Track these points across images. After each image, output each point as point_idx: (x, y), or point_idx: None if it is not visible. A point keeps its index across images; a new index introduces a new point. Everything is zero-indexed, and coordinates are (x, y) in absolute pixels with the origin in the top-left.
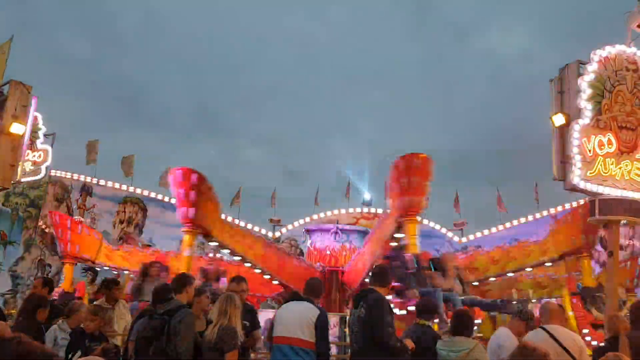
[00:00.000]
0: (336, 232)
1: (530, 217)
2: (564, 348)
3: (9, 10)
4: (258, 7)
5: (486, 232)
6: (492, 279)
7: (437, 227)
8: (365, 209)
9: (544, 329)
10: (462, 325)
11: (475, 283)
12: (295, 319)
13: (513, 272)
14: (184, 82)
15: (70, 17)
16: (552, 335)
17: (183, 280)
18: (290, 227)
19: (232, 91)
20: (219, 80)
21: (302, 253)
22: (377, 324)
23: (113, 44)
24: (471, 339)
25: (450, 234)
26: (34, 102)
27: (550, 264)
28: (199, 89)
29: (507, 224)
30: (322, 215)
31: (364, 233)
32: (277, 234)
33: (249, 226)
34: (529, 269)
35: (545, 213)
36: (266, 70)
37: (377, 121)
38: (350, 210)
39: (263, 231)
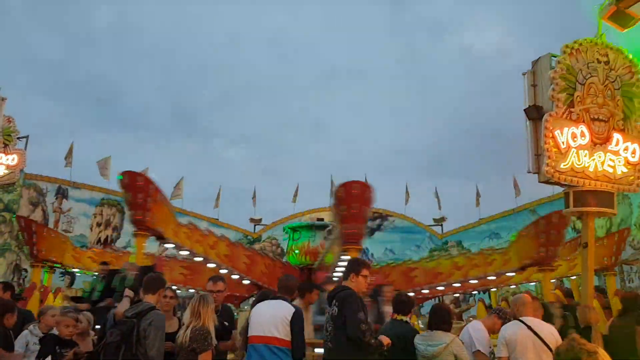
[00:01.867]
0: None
1: (508, 211)
2: (542, 339)
3: None
4: (233, 5)
5: (466, 227)
6: (456, 284)
7: (418, 222)
8: None
9: (520, 321)
10: (440, 320)
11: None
12: (270, 318)
13: (476, 279)
14: (160, 81)
15: (41, 16)
16: (529, 327)
17: (156, 282)
18: (270, 225)
19: (209, 90)
20: (196, 79)
21: (283, 252)
22: (349, 320)
23: (86, 44)
24: (449, 333)
25: (430, 229)
26: (4, 103)
27: (512, 274)
28: (175, 88)
29: (487, 218)
30: (302, 213)
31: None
32: (258, 233)
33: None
34: (491, 277)
35: (524, 207)
36: (243, 69)
37: (355, 118)
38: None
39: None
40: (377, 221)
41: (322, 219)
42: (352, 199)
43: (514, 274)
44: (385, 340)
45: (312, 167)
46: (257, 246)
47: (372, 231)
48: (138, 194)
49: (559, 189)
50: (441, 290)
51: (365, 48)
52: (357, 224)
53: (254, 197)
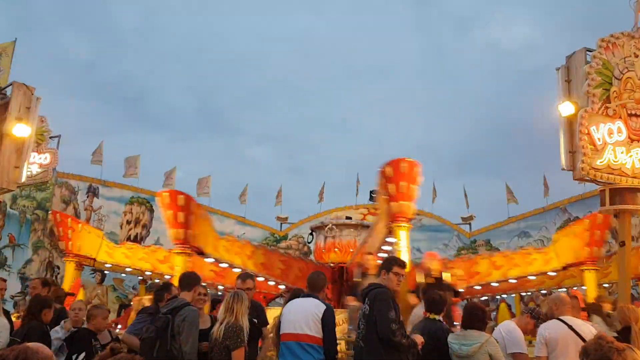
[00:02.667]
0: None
1: (538, 210)
2: (582, 339)
3: (9, 12)
4: (260, 4)
5: (495, 225)
6: (495, 284)
7: (446, 221)
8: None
9: (561, 320)
10: (474, 319)
11: (478, 287)
12: (301, 315)
13: (516, 279)
14: (187, 81)
15: (70, 18)
16: (570, 326)
17: (191, 279)
18: (297, 224)
19: (235, 89)
20: (222, 78)
21: (309, 250)
22: (379, 319)
23: (114, 45)
24: (484, 332)
25: (458, 228)
26: (38, 103)
27: (554, 273)
28: (202, 87)
29: (516, 217)
30: (328, 212)
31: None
32: (284, 231)
33: (256, 225)
34: (531, 277)
35: (554, 205)
36: (268, 68)
37: (381, 116)
38: (356, 206)
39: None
40: None
41: (350, 218)
42: (401, 177)
43: (555, 273)
44: (419, 339)
45: (338, 165)
46: (283, 244)
47: None
48: (179, 213)
49: (590, 187)
50: (478, 290)
51: (391, 45)
52: (405, 201)
53: (279, 195)
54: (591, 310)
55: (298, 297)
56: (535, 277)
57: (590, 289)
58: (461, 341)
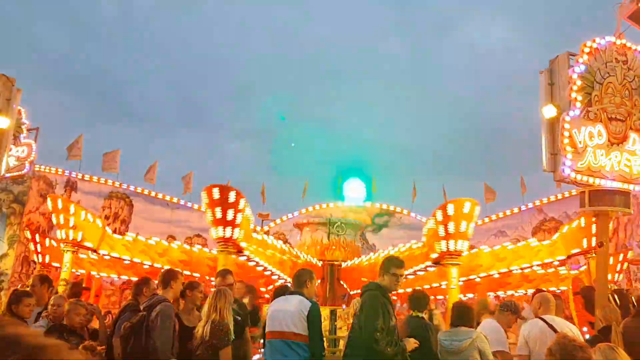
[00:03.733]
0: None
1: (515, 210)
2: None
3: None
4: None
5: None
6: (497, 276)
7: (425, 220)
8: (354, 204)
9: (542, 319)
10: (463, 316)
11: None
12: (287, 313)
13: (520, 269)
14: (166, 74)
15: (46, 9)
16: (550, 326)
17: (168, 276)
18: (278, 221)
19: (215, 84)
20: (202, 73)
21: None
22: (364, 326)
23: (92, 37)
24: (473, 329)
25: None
26: (18, 95)
27: (557, 262)
28: (182, 81)
29: (494, 217)
30: (311, 209)
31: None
32: (266, 228)
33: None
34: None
35: (530, 205)
36: (250, 64)
37: (362, 115)
38: (339, 204)
39: (251, 226)
40: (384, 218)
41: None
42: (462, 216)
43: (558, 262)
44: (410, 345)
45: (318, 163)
46: None
47: (379, 228)
48: (228, 210)
49: (566, 188)
50: (477, 282)
51: (372, 45)
52: (463, 240)
53: (263, 192)
54: (585, 292)
55: (284, 294)
56: (539, 267)
57: (592, 275)
58: (452, 337)
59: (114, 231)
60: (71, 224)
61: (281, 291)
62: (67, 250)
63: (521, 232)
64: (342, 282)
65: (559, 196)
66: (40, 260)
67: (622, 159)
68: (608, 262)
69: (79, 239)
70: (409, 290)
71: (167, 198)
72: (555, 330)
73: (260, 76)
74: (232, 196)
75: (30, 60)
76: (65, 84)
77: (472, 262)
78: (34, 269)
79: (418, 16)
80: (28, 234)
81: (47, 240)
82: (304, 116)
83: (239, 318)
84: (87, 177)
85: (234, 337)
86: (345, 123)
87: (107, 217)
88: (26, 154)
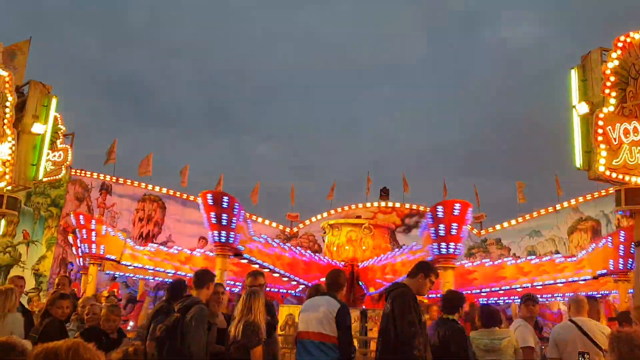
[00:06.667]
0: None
1: (550, 209)
2: (592, 340)
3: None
4: (267, 2)
5: (505, 224)
6: (519, 288)
7: None
8: (383, 203)
9: (572, 321)
10: (494, 318)
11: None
12: (316, 314)
13: (543, 285)
14: (194, 79)
15: (78, 15)
16: (579, 328)
17: (204, 277)
18: (308, 222)
19: (242, 87)
20: (229, 76)
21: (320, 248)
22: (398, 319)
23: (121, 42)
24: (508, 329)
25: (469, 227)
26: (54, 101)
27: (583, 282)
28: (209, 85)
29: (527, 216)
30: (340, 210)
31: None
32: (295, 229)
33: (267, 222)
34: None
35: (566, 204)
36: (275, 66)
37: (389, 115)
38: (368, 204)
39: (280, 227)
40: (415, 218)
41: (359, 216)
42: (453, 218)
43: (583, 282)
44: None
45: (346, 164)
46: (293, 242)
47: (409, 228)
48: (222, 215)
49: (602, 186)
50: (499, 294)
51: (398, 44)
52: (455, 242)
53: (292, 193)
54: (621, 319)
55: (317, 294)
56: (562, 285)
57: (621, 299)
58: (491, 337)
59: (147, 233)
60: (93, 238)
61: (314, 291)
62: (92, 263)
63: (556, 232)
64: (360, 283)
65: (596, 195)
66: (94, 250)
67: None
68: None
69: (101, 253)
70: None
71: (199, 200)
72: (584, 333)
73: (285, 78)
74: (225, 202)
75: (62, 66)
76: (97, 89)
77: (495, 273)
78: (71, 270)
79: (444, 14)
80: (82, 219)
81: (104, 228)
82: (330, 117)
83: (269, 318)
84: (121, 180)
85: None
86: (373, 123)
87: (140, 220)
88: (62, 159)
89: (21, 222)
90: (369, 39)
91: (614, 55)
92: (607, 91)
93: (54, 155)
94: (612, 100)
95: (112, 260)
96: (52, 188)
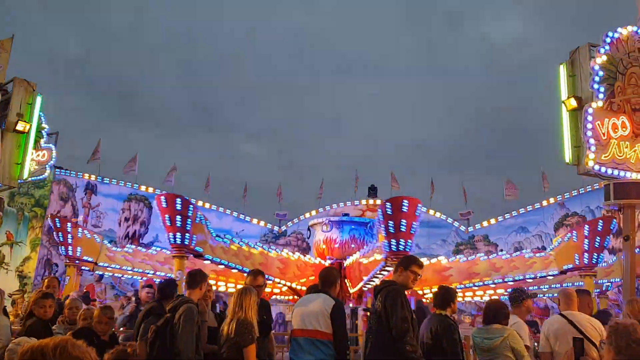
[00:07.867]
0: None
1: (537, 205)
2: (583, 333)
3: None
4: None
5: (493, 221)
6: (492, 285)
7: (444, 217)
8: (371, 201)
9: (562, 315)
10: (497, 314)
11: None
12: (311, 311)
13: (513, 280)
14: (179, 77)
15: (59, 14)
16: (570, 322)
17: (197, 277)
18: (296, 220)
19: (227, 85)
20: (213, 74)
21: (308, 246)
22: (392, 316)
23: (104, 41)
24: (506, 327)
25: (456, 224)
26: (39, 99)
27: (551, 277)
28: (194, 83)
29: (514, 213)
30: (328, 208)
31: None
32: (283, 228)
33: (254, 221)
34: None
35: (552, 200)
36: (259, 64)
37: (375, 112)
38: (357, 202)
39: (269, 225)
40: None
41: (347, 214)
42: (402, 215)
43: (552, 277)
44: None
45: (333, 162)
46: (282, 241)
47: None
48: (176, 216)
49: (588, 182)
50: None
51: (382, 41)
52: (405, 239)
53: (279, 192)
54: (601, 318)
55: (311, 292)
56: (532, 280)
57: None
58: (483, 335)
59: (133, 233)
60: (70, 241)
61: (313, 290)
62: (71, 265)
63: (543, 228)
64: (346, 281)
65: (582, 190)
66: (71, 252)
67: None
68: (635, 255)
69: (78, 255)
70: None
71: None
72: (575, 326)
73: (270, 76)
74: (179, 203)
75: (46, 65)
76: (77, 87)
77: (470, 269)
78: (56, 271)
79: (428, 11)
80: (58, 222)
81: (80, 231)
82: (316, 115)
83: (265, 317)
84: (106, 180)
85: (258, 335)
86: (358, 121)
87: (126, 219)
88: (46, 158)
89: (4, 222)
90: (353, 35)
91: (602, 50)
92: (595, 86)
93: (38, 155)
94: (601, 96)
95: (89, 262)
96: (36, 188)
